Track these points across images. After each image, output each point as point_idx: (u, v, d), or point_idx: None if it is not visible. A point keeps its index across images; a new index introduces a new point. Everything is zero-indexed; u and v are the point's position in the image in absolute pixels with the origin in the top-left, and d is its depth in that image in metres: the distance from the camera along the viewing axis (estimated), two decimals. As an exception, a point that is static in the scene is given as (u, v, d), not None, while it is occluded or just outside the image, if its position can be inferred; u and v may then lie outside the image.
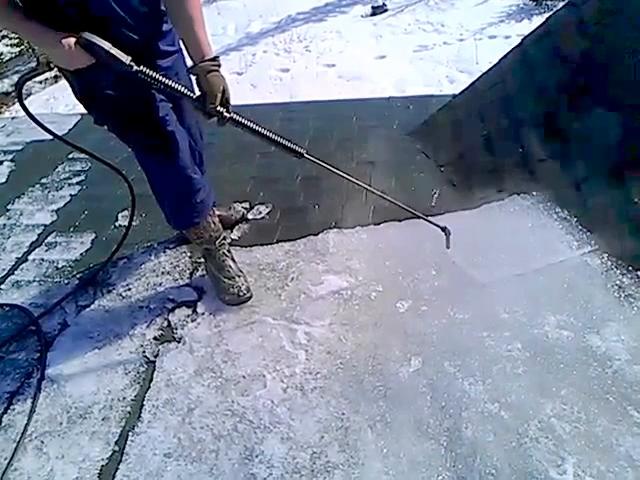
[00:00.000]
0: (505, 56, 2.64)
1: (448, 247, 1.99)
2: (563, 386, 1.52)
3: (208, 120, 1.55)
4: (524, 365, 1.60)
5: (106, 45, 1.38)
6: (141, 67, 1.44)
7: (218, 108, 1.50)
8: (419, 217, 1.95)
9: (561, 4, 3.26)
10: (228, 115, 1.53)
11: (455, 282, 1.91)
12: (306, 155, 1.70)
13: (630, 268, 1.76)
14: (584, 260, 1.83)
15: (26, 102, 1.68)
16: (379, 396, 1.61)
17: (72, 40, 1.36)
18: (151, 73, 1.45)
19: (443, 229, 1.96)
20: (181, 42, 1.61)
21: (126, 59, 1.41)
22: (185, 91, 1.50)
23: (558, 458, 1.37)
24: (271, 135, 1.62)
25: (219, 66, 1.51)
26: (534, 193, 2.10)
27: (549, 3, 5.91)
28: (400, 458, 1.45)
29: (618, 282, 1.74)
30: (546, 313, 1.72)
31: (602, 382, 1.51)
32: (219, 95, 1.48)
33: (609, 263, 1.80)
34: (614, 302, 1.69)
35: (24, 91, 1.71)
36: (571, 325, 1.67)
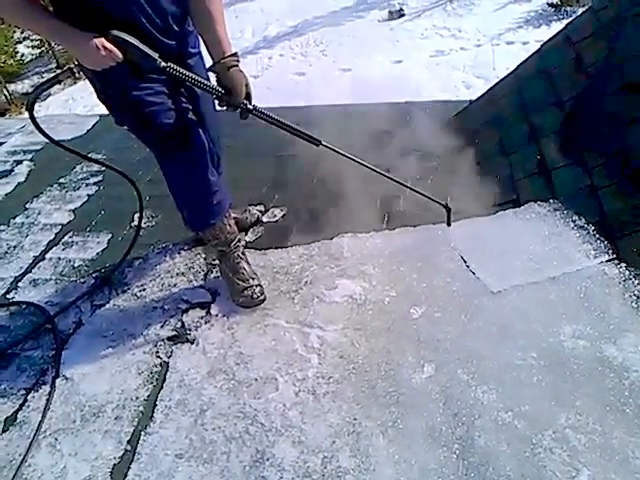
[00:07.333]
0: (523, 62, 2.63)
1: (449, 224, 2.10)
2: (579, 396, 1.50)
3: (235, 112, 1.65)
4: (539, 374, 1.58)
5: (136, 41, 1.44)
6: (169, 64, 1.51)
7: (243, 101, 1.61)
8: (419, 193, 2.06)
9: (581, 10, 3.23)
10: (252, 107, 1.65)
11: (469, 289, 1.89)
12: (323, 143, 1.81)
13: (649, 278, 1.74)
14: (601, 269, 1.81)
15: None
16: (391, 402, 1.60)
17: (102, 39, 1.39)
18: (180, 69, 1.54)
19: (445, 206, 2.05)
20: (201, 41, 1.67)
21: (155, 55, 1.48)
22: (212, 85, 1.60)
23: (572, 470, 1.35)
24: (291, 124, 1.76)
25: (239, 61, 1.59)
26: (551, 200, 2.08)
27: (568, 9, 5.87)
28: (412, 465, 1.44)
29: (636, 292, 1.71)
30: (562, 322, 1.70)
31: (619, 393, 1.48)
32: (244, 89, 1.58)
33: (627, 273, 1.77)
34: (631, 312, 1.67)
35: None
36: (587, 335, 1.65)
